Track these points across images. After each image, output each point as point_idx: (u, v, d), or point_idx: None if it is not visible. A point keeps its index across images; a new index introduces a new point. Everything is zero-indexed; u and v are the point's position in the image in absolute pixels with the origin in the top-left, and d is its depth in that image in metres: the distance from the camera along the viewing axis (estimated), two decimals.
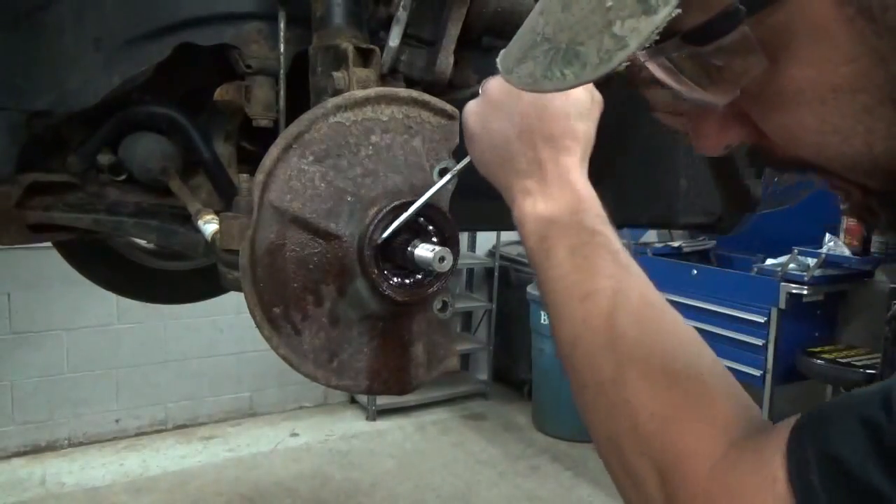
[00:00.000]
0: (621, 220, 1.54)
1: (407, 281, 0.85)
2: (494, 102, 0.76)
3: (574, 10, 0.47)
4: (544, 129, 0.73)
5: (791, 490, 0.47)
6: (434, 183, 0.87)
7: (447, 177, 0.85)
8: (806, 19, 0.45)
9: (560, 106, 0.75)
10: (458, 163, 0.85)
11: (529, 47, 0.51)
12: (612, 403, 0.60)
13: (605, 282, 0.65)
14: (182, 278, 1.85)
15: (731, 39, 0.45)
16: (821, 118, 0.47)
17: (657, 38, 0.43)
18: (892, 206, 0.51)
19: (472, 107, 0.79)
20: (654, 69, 0.50)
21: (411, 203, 0.83)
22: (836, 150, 0.48)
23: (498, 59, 0.56)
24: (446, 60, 1.02)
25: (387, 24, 1.01)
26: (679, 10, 0.42)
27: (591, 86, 0.76)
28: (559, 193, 0.72)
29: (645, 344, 0.61)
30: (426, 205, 0.84)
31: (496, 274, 5.01)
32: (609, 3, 0.44)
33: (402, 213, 0.83)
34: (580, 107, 0.76)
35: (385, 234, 0.82)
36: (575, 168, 0.74)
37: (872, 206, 0.52)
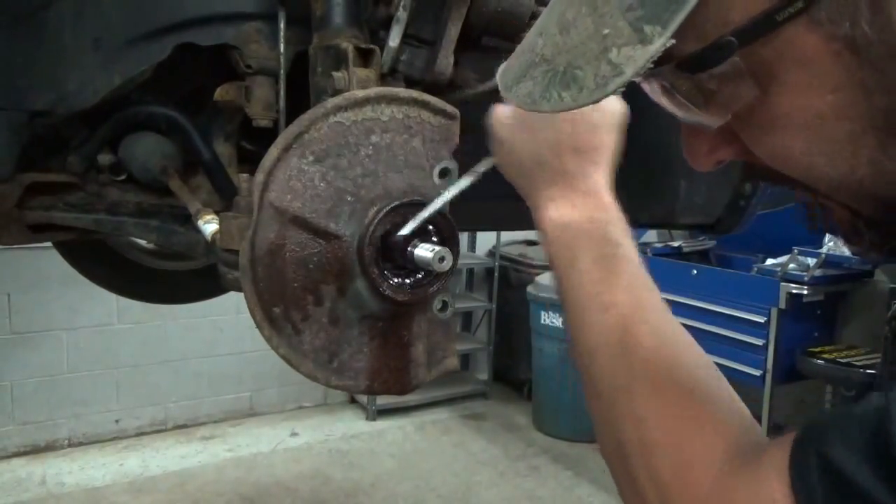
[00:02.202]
0: None
1: (407, 281, 0.85)
2: (528, 113, 0.75)
3: (572, 34, 0.48)
4: (574, 140, 0.74)
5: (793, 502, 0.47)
6: (435, 184, 0.87)
7: (471, 179, 0.83)
8: (795, 52, 0.46)
9: (594, 119, 0.75)
10: (459, 163, 0.84)
11: (528, 66, 0.52)
12: (622, 414, 0.61)
13: (625, 295, 0.66)
14: (182, 278, 1.85)
15: (724, 69, 0.47)
16: (807, 142, 0.49)
17: (652, 65, 0.45)
18: (878, 228, 0.53)
19: (503, 113, 0.79)
20: (650, 89, 0.52)
21: (410, 203, 0.83)
22: (821, 172, 0.50)
23: (497, 75, 0.57)
24: (446, 60, 1.02)
25: (387, 24, 1.00)
26: (673, 41, 0.44)
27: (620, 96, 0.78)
28: (583, 203, 0.73)
29: (659, 358, 0.62)
30: (424, 205, 0.83)
31: (496, 274, 5.00)
32: (605, 31, 0.46)
33: (401, 213, 0.83)
34: (613, 119, 0.77)
35: (405, 232, 0.81)
36: (601, 179, 0.75)
37: (859, 227, 0.54)
